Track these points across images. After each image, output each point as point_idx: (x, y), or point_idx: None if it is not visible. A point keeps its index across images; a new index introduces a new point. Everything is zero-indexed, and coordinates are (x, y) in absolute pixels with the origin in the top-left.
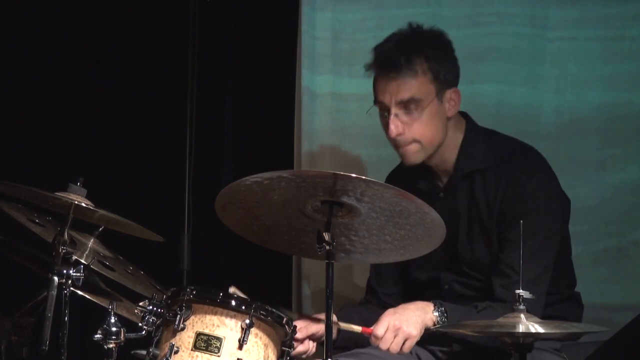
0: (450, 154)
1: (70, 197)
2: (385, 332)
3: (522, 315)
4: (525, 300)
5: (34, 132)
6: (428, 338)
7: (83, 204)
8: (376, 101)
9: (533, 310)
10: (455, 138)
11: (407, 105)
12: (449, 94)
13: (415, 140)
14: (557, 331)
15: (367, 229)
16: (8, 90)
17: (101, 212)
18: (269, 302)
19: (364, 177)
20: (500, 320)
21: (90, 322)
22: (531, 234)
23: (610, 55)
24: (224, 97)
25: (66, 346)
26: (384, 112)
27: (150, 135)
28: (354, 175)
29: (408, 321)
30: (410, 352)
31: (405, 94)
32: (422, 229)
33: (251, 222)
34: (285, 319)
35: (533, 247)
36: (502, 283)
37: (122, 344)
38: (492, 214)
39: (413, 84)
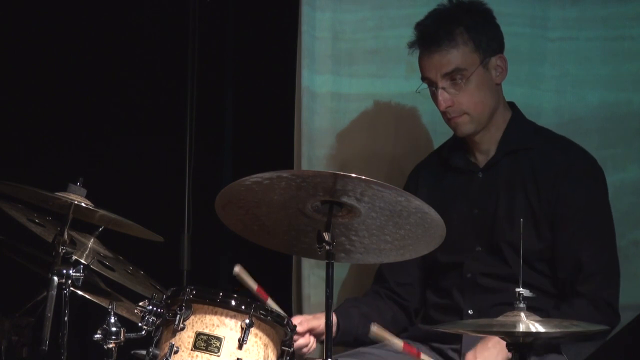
0: (496, 131)
1: (70, 197)
2: None
3: (522, 314)
4: (525, 299)
5: (34, 132)
6: (434, 336)
7: (83, 204)
8: (423, 78)
9: (613, 302)
10: (504, 115)
11: (452, 76)
12: (494, 60)
13: (465, 112)
14: (557, 330)
15: (367, 229)
16: (8, 90)
17: (101, 212)
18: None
19: (364, 177)
20: (500, 319)
21: (90, 322)
22: (599, 224)
23: (610, 55)
24: (224, 97)
25: (66, 346)
26: (432, 87)
27: (151, 135)
28: (354, 175)
29: None
30: None
31: (448, 66)
32: (422, 229)
33: (251, 222)
34: (285, 319)
35: (603, 238)
36: (576, 279)
37: (122, 344)
38: (541, 195)
39: (455, 55)
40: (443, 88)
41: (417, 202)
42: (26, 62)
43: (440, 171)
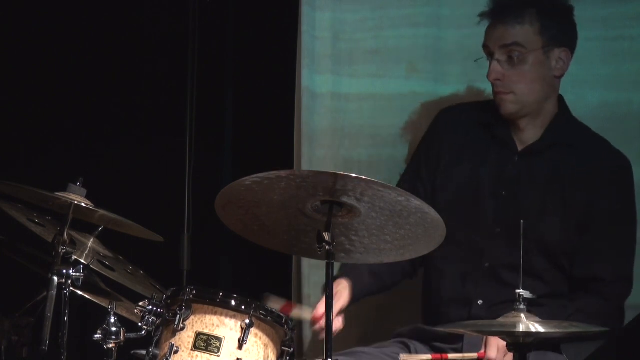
0: (542, 121)
1: (70, 197)
2: (497, 354)
3: (522, 315)
4: (525, 300)
5: (34, 132)
6: (434, 335)
7: (83, 204)
8: (484, 46)
9: (623, 306)
10: (552, 108)
11: (509, 50)
12: (557, 52)
13: (511, 91)
14: (557, 331)
15: (367, 229)
16: (8, 90)
17: (101, 212)
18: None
19: (364, 177)
20: (501, 320)
21: (90, 322)
22: (624, 231)
23: (610, 55)
24: (224, 97)
25: (66, 346)
26: (489, 57)
27: (151, 135)
28: (354, 175)
29: None
30: (409, 350)
31: (508, 39)
32: (422, 229)
33: (251, 222)
34: (284, 319)
35: (626, 246)
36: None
37: (122, 344)
38: (574, 193)
39: (518, 31)
40: (497, 60)
41: (417, 202)
42: (26, 62)
43: (474, 128)
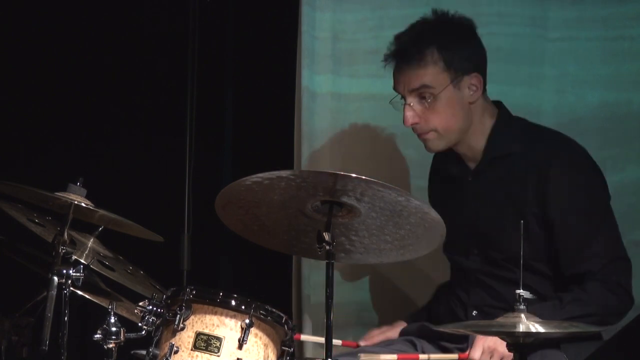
0: (477, 141)
1: (70, 197)
2: (482, 355)
3: (522, 315)
4: (525, 300)
5: (34, 132)
6: (440, 335)
7: (83, 204)
8: (396, 90)
9: (624, 283)
10: (484, 125)
11: (420, 93)
12: (467, 80)
13: (432, 129)
14: (557, 331)
15: (367, 229)
16: (8, 90)
17: (101, 212)
18: (269, 302)
19: (364, 177)
20: (500, 320)
21: (90, 322)
22: (594, 216)
23: (610, 55)
24: (224, 97)
25: (66, 346)
26: (402, 101)
27: (151, 135)
28: (354, 175)
29: (501, 341)
30: (415, 348)
31: (416, 83)
32: (422, 229)
33: (251, 222)
34: (284, 319)
35: (602, 228)
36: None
37: (122, 344)
38: (528, 199)
39: (423, 73)
40: (410, 104)
41: (417, 202)
42: (26, 62)
43: (438, 173)
